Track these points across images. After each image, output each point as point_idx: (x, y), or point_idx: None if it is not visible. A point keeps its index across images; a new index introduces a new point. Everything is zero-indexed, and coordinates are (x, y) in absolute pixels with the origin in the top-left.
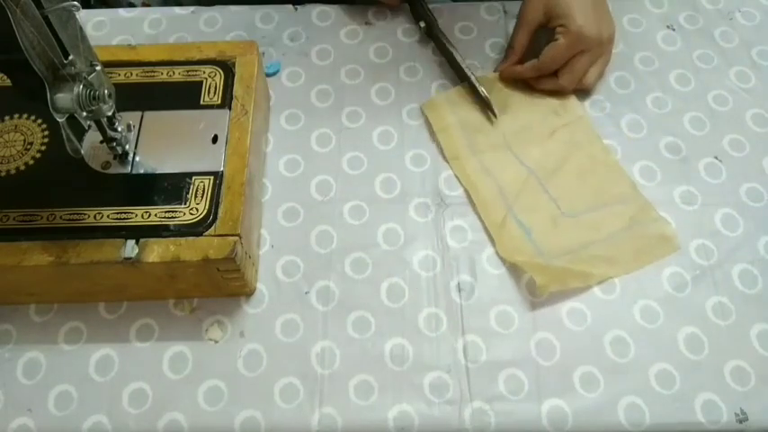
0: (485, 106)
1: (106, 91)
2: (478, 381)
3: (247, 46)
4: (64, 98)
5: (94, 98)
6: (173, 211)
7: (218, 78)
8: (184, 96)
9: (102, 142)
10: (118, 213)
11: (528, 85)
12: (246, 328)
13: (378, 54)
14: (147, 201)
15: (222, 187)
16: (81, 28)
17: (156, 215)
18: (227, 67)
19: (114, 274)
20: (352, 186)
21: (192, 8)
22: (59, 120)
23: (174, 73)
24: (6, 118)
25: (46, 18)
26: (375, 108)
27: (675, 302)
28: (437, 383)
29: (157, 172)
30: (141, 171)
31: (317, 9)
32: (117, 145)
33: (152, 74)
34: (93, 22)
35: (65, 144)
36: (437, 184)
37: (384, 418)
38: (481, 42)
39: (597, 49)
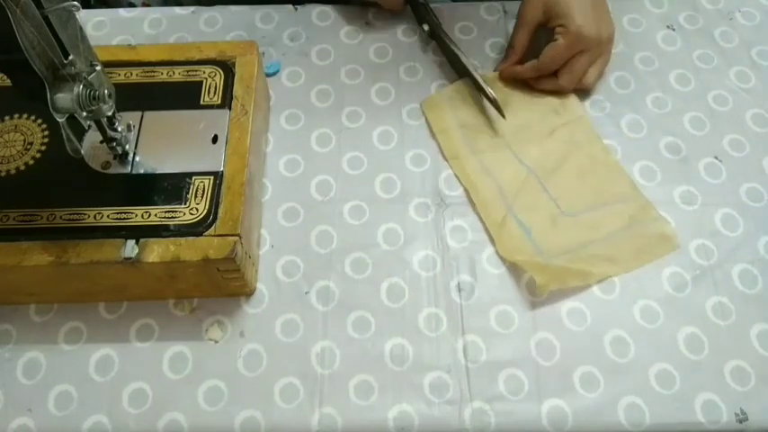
0: (489, 104)
1: (106, 91)
2: (478, 381)
3: (247, 46)
4: (64, 98)
5: (94, 98)
6: (173, 211)
7: (218, 78)
8: (184, 96)
9: (102, 142)
10: (118, 213)
11: (528, 84)
12: (246, 328)
13: (378, 54)
14: (147, 201)
15: (222, 187)
16: (81, 28)
17: (156, 215)
18: (227, 67)
19: (114, 274)
20: (352, 186)
21: (192, 8)
22: (59, 120)
23: (174, 73)
24: (6, 118)
25: (46, 18)
26: (375, 108)
27: (675, 302)
28: (437, 383)
29: (157, 172)
30: (141, 171)
31: (316, 9)
32: (117, 145)
33: (152, 74)
34: (93, 22)
35: (65, 144)
36: (437, 184)
37: (384, 418)
38: (481, 42)
39: (596, 49)
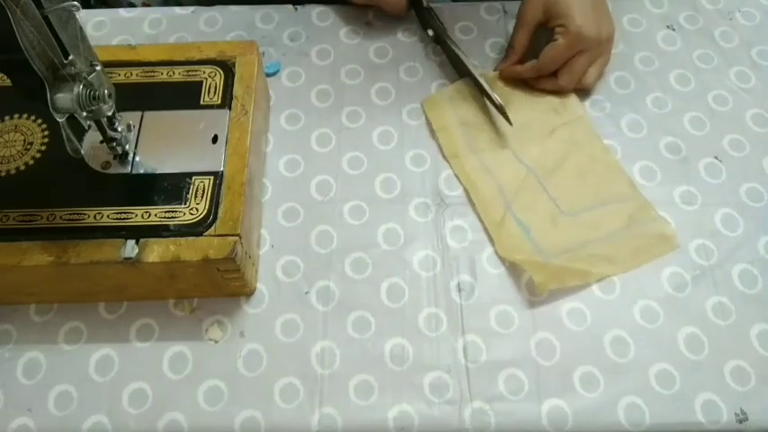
0: (494, 109)
1: (106, 91)
2: (478, 381)
3: (247, 46)
4: (64, 98)
5: (94, 98)
6: (173, 211)
7: (218, 78)
8: (184, 96)
9: (102, 142)
10: (118, 213)
11: (528, 83)
12: (246, 328)
13: (378, 54)
14: (147, 201)
15: (222, 187)
16: (81, 28)
17: (156, 215)
18: (227, 67)
19: (114, 274)
20: (352, 186)
21: (191, 8)
22: (59, 120)
23: (174, 73)
24: (6, 118)
25: (46, 18)
26: (375, 108)
27: (675, 302)
28: (437, 383)
29: (157, 172)
30: (141, 171)
31: (316, 9)
32: (117, 145)
33: (152, 74)
34: (93, 22)
35: (65, 144)
36: (437, 184)
37: (384, 418)
38: (481, 42)
39: (596, 49)
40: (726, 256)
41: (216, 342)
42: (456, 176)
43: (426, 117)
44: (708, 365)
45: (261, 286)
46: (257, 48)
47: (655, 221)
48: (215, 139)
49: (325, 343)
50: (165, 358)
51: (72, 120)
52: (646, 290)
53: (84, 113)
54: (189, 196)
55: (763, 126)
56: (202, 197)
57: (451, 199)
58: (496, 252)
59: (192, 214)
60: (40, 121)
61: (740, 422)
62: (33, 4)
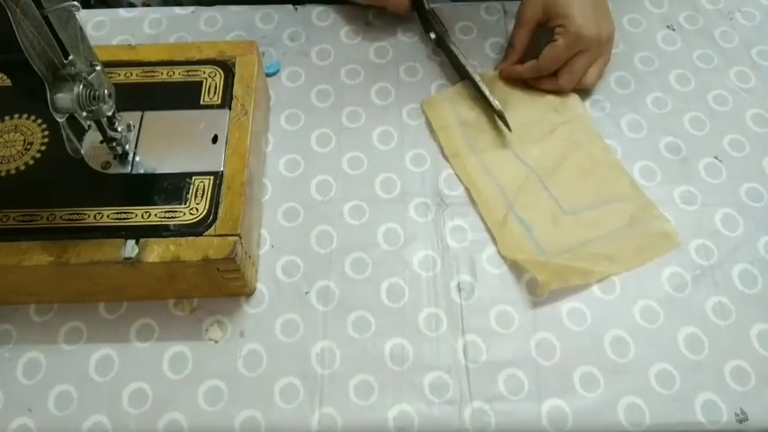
0: (492, 113)
1: (106, 91)
2: (478, 381)
3: (247, 46)
4: (64, 98)
5: (94, 98)
6: (173, 211)
7: (218, 78)
8: (184, 96)
9: (102, 142)
10: (118, 213)
11: (528, 83)
12: (246, 328)
13: (378, 54)
14: (147, 201)
15: (222, 187)
16: (81, 28)
17: (156, 215)
18: (227, 67)
19: (114, 274)
20: (352, 186)
21: (191, 8)
22: (59, 120)
23: (174, 73)
24: (6, 118)
25: (46, 18)
26: (375, 108)
27: (675, 302)
28: (437, 383)
29: (157, 172)
30: (141, 171)
31: (316, 9)
32: (117, 145)
33: (152, 74)
34: (93, 22)
35: (65, 144)
36: (437, 184)
37: (384, 418)
38: (481, 42)
39: (596, 50)
40: (726, 256)
41: (216, 342)
42: (457, 176)
43: (426, 117)
44: (708, 365)
45: (261, 286)
46: (257, 48)
47: (656, 220)
48: (215, 139)
49: (325, 343)
50: (165, 358)
51: (72, 120)
52: (646, 290)
53: (84, 113)
54: (189, 196)
55: (763, 126)
56: (202, 197)
57: (451, 199)
58: (497, 252)
59: (192, 214)
60: (40, 121)
61: (740, 422)
62: (33, 4)
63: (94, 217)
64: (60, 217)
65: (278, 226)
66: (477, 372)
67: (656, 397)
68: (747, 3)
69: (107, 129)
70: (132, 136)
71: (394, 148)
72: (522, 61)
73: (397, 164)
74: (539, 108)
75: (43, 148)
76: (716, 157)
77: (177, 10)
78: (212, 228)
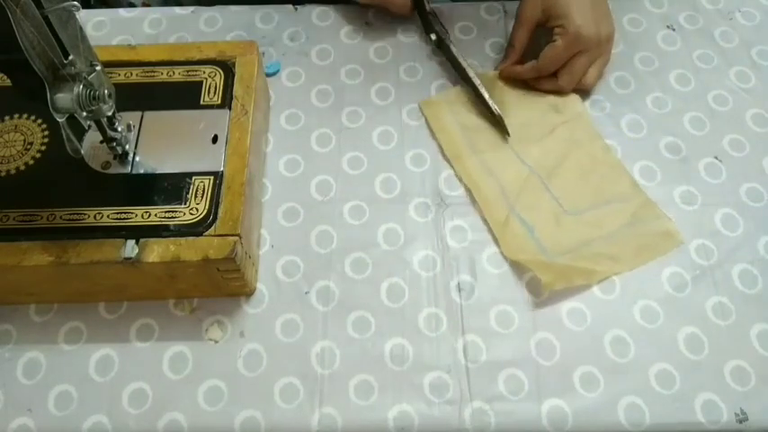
0: (493, 118)
1: (106, 91)
2: (478, 381)
3: (247, 46)
4: (64, 98)
5: (94, 98)
6: (173, 211)
7: (218, 78)
8: (184, 96)
9: (102, 142)
10: (118, 213)
11: (528, 83)
12: (246, 328)
13: (378, 54)
14: (147, 201)
15: (222, 187)
16: (81, 28)
17: (156, 215)
18: (227, 67)
19: (114, 274)
20: (352, 186)
21: (191, 8)
22: (59, 120)
23: (174, 73)
24: (6, 118)
25: (46, 18)
26: (375, 108)
27: (675, 302)
28: (437, 383)
29: (157, 172)
30: (141, 171)
31: (317, 9)
32: (117, 145)
33: (152, 74)
34: (93, 22)
35: (65, 144)
36: (437, 184)
37: (384, 418)
38: (481, 42)
39: (596, 50)
40: (726, 256)
41: (216, 342)
42: (458, 177)
43: (425, 118)
44: (708, 365)
45: (261, 286)
46: (257, 48)
47: (658, 219)
48: (215, 139)
49: (325, 343)
50: (165, 358)
51: (72, 120)
52: (646, 290)
53: (84, 113)
54: (189, 196)
55: (763, 126)
56: (202, 197)
57: (451, 199)
58: (498, 252)
59: (192, 214)
60: (40, 121)
61: (740, 422)
62: (33, 4)
63: (94, 217)
64: (60, 217)
65: (278, 226)
66: (477, 372)
67: (656, 397)
68: (747, 3)
69: (107, 129)
70: (132, 136)
71: (394, 148)
72: (521, 61)
73: (397, 164)
74: (538, 108)
75: (43, 148)
76: (716, 157)
77: (177, 10)
78: (212, 228)
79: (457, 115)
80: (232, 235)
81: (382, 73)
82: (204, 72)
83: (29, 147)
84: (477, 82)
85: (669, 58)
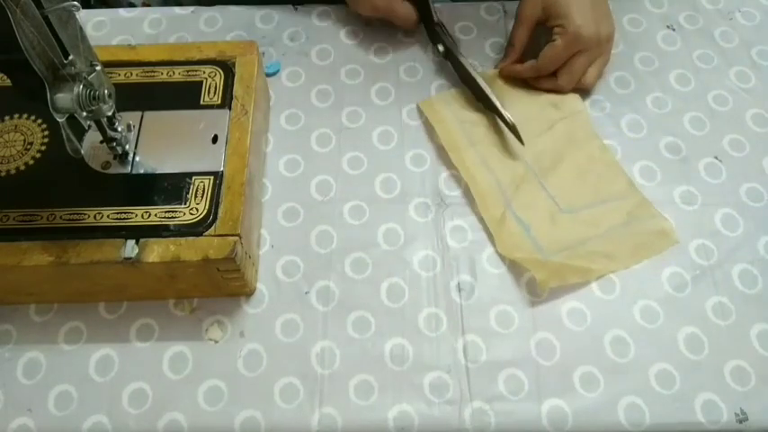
0: (503, 124)
1: (106, 91)
2: (478, 381)
3: (247, 46)
4: (64, 98)
5: (94, 98)
6: (173, 211)
7: (218, 78)
8: (184, 96)
9: (102, 142)
10: (118, 213)
11: (528, 81)
12: (246, 328)
13: (378, 54)
14: (147, 201)
15: (222, 187)
16: (81, 28)
17: (156, 215)
18: (227, 67)
19: (114, 274)
20: (352, 186)
21: (191, 8)
22: (59, 120)
23: (174, 73)
24: (6, 118)
25: (46, 18)
26: (375, 108)
27: (675, 302)
28: (437, 383)
29: (157, 172)
30: (141, 171)
31: (317, 9)
32: (117, 145)
33: (152, 74)
34: (93, 22)
35: (65, 144)
36: (437, 184)
37: (384, 418)
38: (481, 42)
39: (596, 50)
40: (726, 256)
41: (216, 342)
42: (456, 169)
43: (425, 117)
44: (708, 365)
45: (261, 286)
46: (257, 48)
47: (654, 218)
48: (215, 139)
49: (325, 343)
50: (165, 358)
51: (72, 120)
52: (646, 290)
53: (84, 113)
54: (189, 196)
55: (763, 126)
56: (202, 197)
57: (451, 199)
58: (497, 251)
59: (192, 214)
60: (40, 121)
61: (740, 422)
62: (33, 4)
63: (94, 217)
64: (60, 217)
65: (278, 226)
66: (477, 372)
67: (656, 397)
68: (747, 3)
69: (107, 129)
70: (132, 136)
71: (394, 148)
72: (521, 60)
73: (397, 164)
74: (537, 104)
75: (43, 148)
76: (716, 157)
77: (177, 10)
78: (212, 228)
79: (455, 112)
80: (232, 235)
81: (382, 73)
82: (204, 72)
83: (29, 147)
84: (488, 91)
85: (669, 58)
